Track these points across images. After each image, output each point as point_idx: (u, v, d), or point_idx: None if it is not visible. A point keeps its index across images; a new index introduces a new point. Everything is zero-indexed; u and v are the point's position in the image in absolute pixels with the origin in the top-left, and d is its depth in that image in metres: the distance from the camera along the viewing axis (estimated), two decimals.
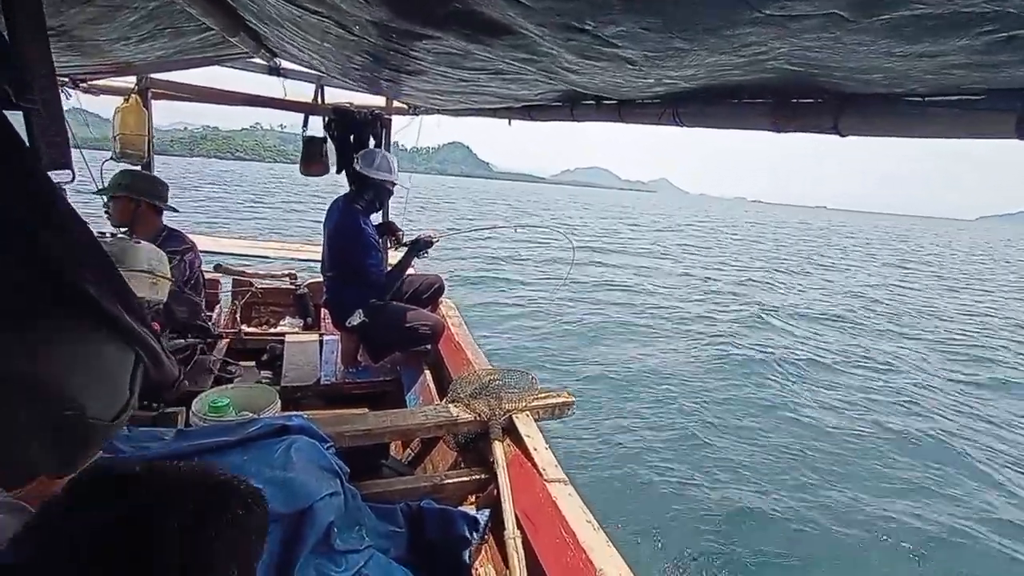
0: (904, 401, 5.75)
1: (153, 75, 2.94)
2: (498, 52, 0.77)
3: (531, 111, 1.73)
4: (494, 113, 1.90)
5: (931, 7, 0.32)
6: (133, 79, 2.91)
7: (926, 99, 0.68)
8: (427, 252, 2.92)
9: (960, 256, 32.89)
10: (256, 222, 17.65)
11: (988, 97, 0.62)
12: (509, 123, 2.05)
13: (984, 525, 3.63)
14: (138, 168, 2.72)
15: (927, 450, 4.61)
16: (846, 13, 0.34)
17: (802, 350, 7.33)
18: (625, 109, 1.24)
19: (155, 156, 3.08)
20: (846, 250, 27.59)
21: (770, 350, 7.11)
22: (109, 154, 2.78)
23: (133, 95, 2.84)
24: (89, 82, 2.82)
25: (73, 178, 0.76)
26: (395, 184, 2.87)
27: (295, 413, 1.51)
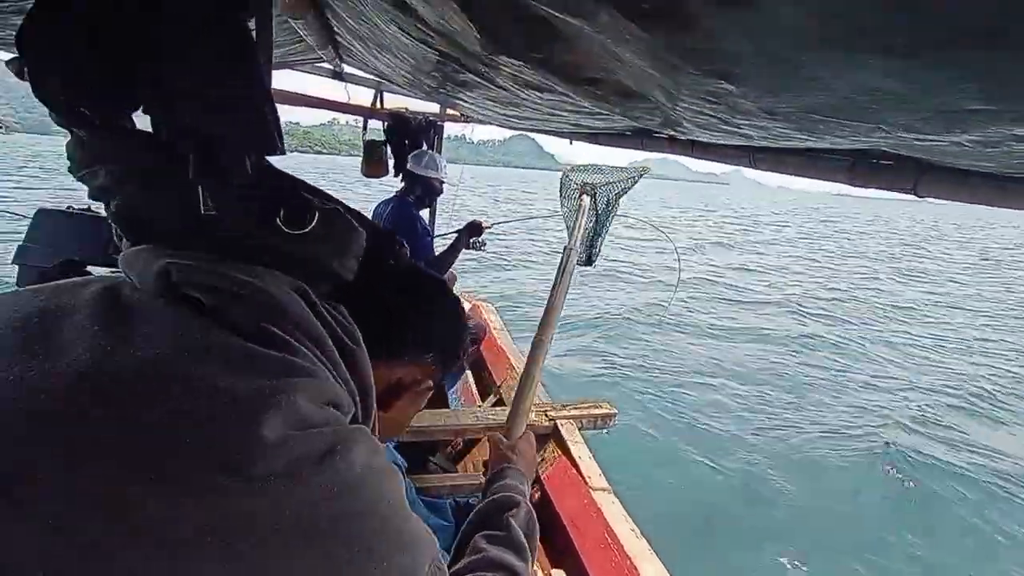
0: None
1: None
2: (612, 107, 0.86)
3: (598, 136, 1.82)
4: (557, 133, 1.99)
5: (989, 143, 0.40)
6: None
7: (1003, 174, 0.75)
8: (483, 244, 2.95)
9: None
10: None
11: None
12: (571, 143, 2.15)
13: None
14: None
15: None
16: (968, 144, 0.43)
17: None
18: (698, 147, 1.32)
19: None
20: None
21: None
22: None
23: None
24: None
25: None
26: (443, 182, 2.98)
27: None
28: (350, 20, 1.30)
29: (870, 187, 0.95)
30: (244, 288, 0.41)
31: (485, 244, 2.94)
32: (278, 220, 0.45)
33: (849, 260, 17.74)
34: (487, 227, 2.93)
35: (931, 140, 0.45)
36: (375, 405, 0.50)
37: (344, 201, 0.52)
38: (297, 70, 3.03)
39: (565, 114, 1.20)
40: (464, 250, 2.89)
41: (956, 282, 14.05)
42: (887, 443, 4.47)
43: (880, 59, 0.34)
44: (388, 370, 0.56)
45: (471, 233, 2.88)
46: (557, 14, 0.53)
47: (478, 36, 0.76)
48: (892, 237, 30.31)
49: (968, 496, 3.88)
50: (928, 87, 0.35)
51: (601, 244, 1.80)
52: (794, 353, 6.86)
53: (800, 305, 9.75)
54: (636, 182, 1.81)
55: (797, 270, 14.52)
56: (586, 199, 1.75)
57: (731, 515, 3.63)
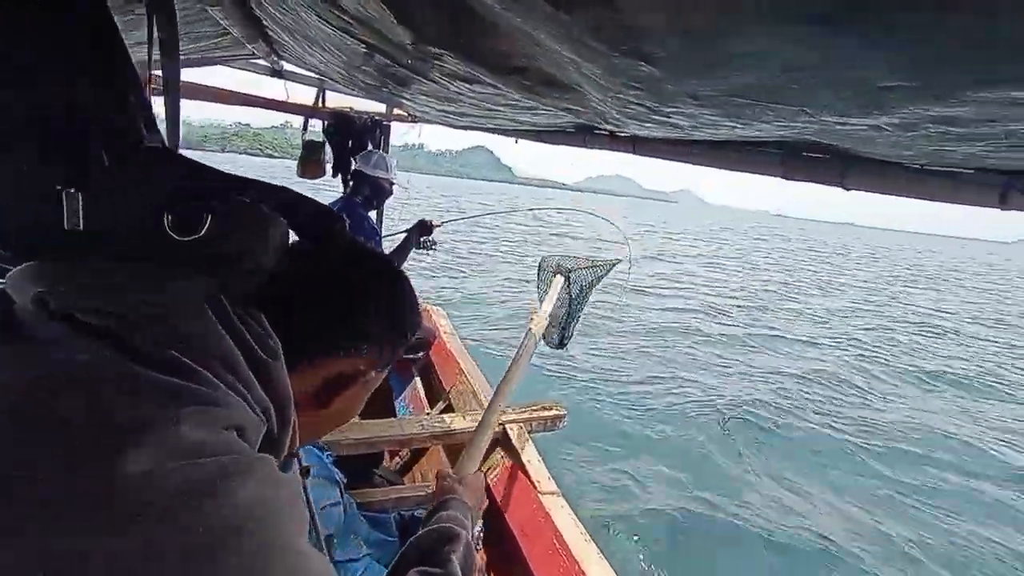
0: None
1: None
2: (542, 99, 0.83)
3: (541, 134, 1.80)
4: (503, 132, 1.96)
5: (959, 128, 0.39)
6: None
7: (924, 167, 0.77)
8: (433, 243, 2.85)
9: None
10: None
11: (976, 172, 0.71)
12: (516, 141, 2.12)
13: None
14: None
15: None
16: (888, 128, 0.42)
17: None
18: (639, 143, 1.32)
19: (189, 151, 3.05)
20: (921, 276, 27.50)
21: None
22: None
23: None
24: None
25: None
26: (393, 183, 2.87)
27: None
28: (272, 8, 1.21)
29: (801, 180, 0.96)
30: (138, 310, 0.37)
31: (436, 244, 2.85)
32: (166, 227, 0.39)
33: (765, 271, 19.84)
34: (437, 225, 2.84)
35: (852, 124, 0.44)
36: (294, 415, 0.46)
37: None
38: (232, 66, 2.86)
39: (502, 109, 1.16)
40: (414, 250, 2.79)
41: (843, 293, 15.96)
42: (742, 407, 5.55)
43: (792, 26, 0.31)
44: (326, 367, 0.52)
45: (421, 232, 2.78)
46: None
47: (395, 22, 0.70)
48: (810, 253, 33.46)
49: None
50: (842, 58, 0.33)
51: (574, 328, 1.88)
52: (706, 346, 8.02)
53: (714, 307, 11.12)
54: (609, 272, 1.91)
55: (722, 278, 16.18)
56: (559, 278, 1.82)
57: (674, 512, 3.71)
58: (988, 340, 11.27)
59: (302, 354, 0.49)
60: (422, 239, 2.80)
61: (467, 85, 0.90)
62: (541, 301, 1.81)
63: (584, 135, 1.55)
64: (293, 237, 0.50)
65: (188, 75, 3.10)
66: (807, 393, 6.31)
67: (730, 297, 12.58)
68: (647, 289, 12.01)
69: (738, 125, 0.58)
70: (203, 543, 0.30)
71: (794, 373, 7.01)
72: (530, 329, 1.60)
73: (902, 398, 6.68)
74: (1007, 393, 7.44)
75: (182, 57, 2.27)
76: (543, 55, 0.60)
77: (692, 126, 0.66)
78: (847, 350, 8.68)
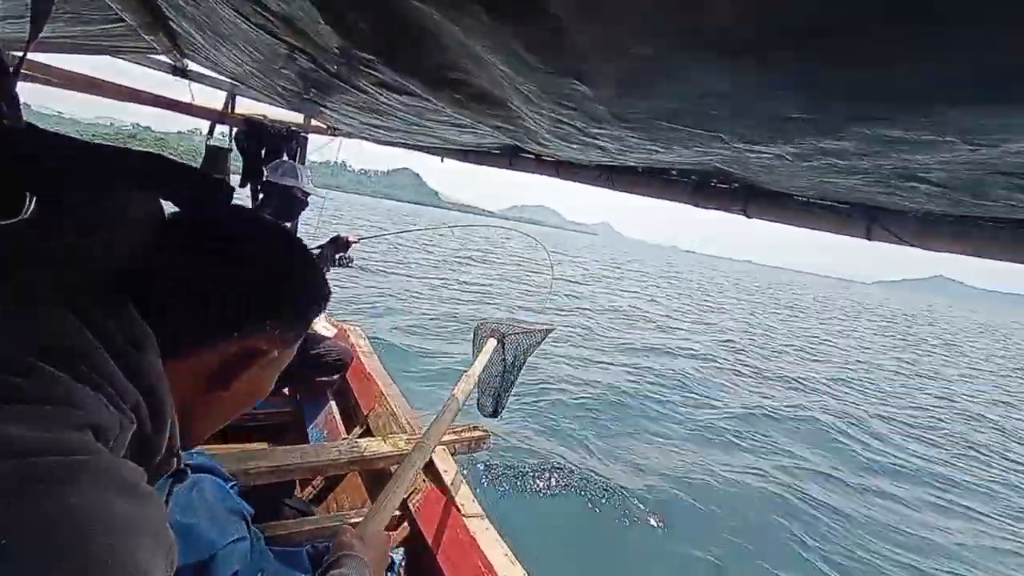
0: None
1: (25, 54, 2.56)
2: (474, 115, 0.83)
3: (467, 154, 1.81)
4: (428, 149, 1.95)
5: (842, 160, 0.45)
6: None
7: (810, 199, 0.87)
8: (350, 260, 2.72)
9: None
10: None
11: (850, 206, 0.82)
12: (442, 160, 2.11)
13: None
14: None
15: None
16: (789, 157, 0.47)
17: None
18: (563, 168, 1.37)
19: None
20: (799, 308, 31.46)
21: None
22: None
23: None
24: None
25: None
26: (307, 193, 2.72)
27: (195, 450, 1.38)
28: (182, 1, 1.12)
29: (709, 207, 1.05)
30: None
31: (352, 260, 2.72)
32: None
33: (661, 299, 22.17)
34: (354, 241, 2.73)
35: (759, 150, 0.49)
36: (171, 409, 0.43)
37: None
38: (124, 58, 2.60)
39: (430, 124, 1.16)
40: (329, 267, 2.65)
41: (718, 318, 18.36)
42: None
43: (715, 56, 0.34)
44: (220, 348, 0.48)
45: (336, 249, 2.65)
46: (412, 2, 0.48)
47: (322, 22, 0.68)
48: (697, 284, 37.55)
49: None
50: (754, 91, 0.36)
51: (507, 398, 1.91)
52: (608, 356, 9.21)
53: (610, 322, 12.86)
54: (544, 339, 1.99)
55: (627, 302, 18.11)
56: (492, 341, 1.85)
57: (600, 520, 3.87)
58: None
59: (187, 337, 0.46)
60: (337, 256, 2.67)
61: (397, 96, 0.89)
62: (472, 358, 1.82)
63: (510, 157, 1.59)
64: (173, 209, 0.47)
65: (70, 63, 2.78)
66: (660, 386, 7.68)
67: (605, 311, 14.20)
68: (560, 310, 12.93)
69: (660, 149, 0.62)
70: (13, 547, 0.26)
71: (658, 369, 8.56)
72: (453, 394, 1.58)
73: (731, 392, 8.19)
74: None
75: (60, 40, 2.03)
76: (478, 69, 0.61)
77: (618, 149, 0.70)
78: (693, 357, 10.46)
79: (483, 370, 1.77)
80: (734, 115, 0.41)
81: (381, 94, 0.93)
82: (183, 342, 0.45)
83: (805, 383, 9.73)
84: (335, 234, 2.69)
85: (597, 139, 0.65)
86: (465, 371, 1.74)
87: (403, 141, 1.84)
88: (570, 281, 20.76)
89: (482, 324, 1.98)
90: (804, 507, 4.56)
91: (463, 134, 1.25)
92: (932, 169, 0.43)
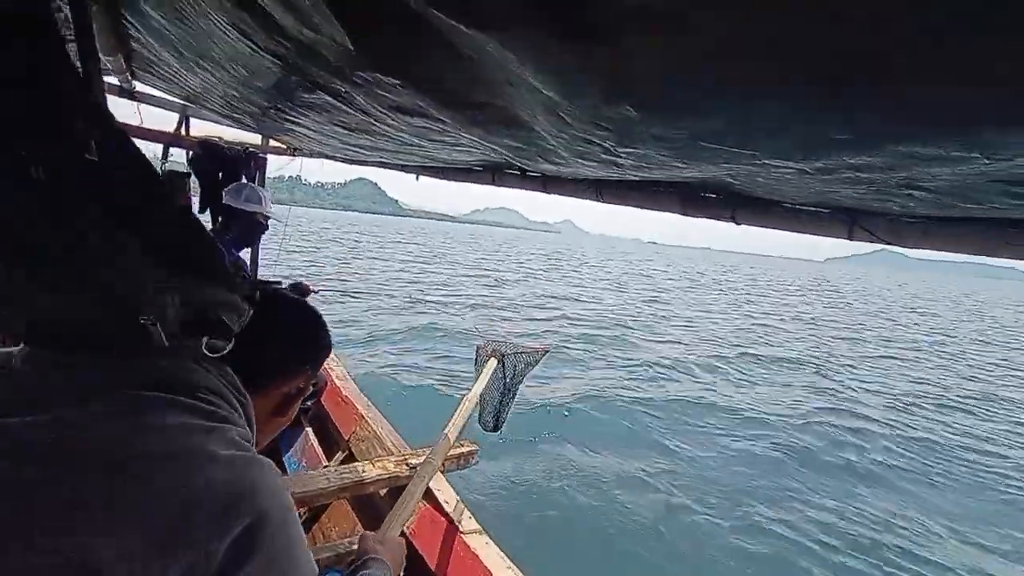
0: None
1: None
2: (487, 135, 0.86)
3: (447, 171, 1.83)
4: (406, 168, 1.95)
5: (864, 173, 0.51)
6: None
7: (796, 205, 0.96)
8: None
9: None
10: None
11: (832, 210, 0.91)
12: (417, 178, 2.12)
13: None
14: None
15: None
16: (811, 171, 0.53)
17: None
18: (551, 182, 1.42)
19: None
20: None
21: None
22: None
23: None
24: None
25: None
26: (268, 217, 2.66)
27: None
28: (160, 18, 1.09)
29: (697, 216, 1.12)
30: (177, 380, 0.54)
31: None
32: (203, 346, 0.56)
33: (628, 290, 23.03)
34: (314, 291, 2.71)
35: (787, 166, 0.54)
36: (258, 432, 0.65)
37: None
38: None
39: (427, 145, 1.18)
40: None
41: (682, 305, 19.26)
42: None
43: (778, 82, 0.39)
44: (279, 389, 0.71)
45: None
46: (462, 27, 0.51)
47: (351, 48, 0.69)
48: (666, 274, 38.70)
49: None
50: (808, 114, 0.42)
51: (507, 413, 2.08)
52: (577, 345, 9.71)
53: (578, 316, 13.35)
54: (542, 358, 2.18)
55: (596, 295, 18.92)
56: (493, 361, 2.01)
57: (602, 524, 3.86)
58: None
59: (269, 379, 0.69)
60: None
61: (406, 118, 0.90)
62: (476, 377, 1.96)
63: (493, 173, 1.62)
64: None
65: None
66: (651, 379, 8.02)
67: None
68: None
69: (683, 165, 0.67)
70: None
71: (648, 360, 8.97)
72: (459, 411, 1.72)
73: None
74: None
75: None
76: (512, 93, 0.64)
77: (633, 166, 0.74)
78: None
79: (484, 389, 1.90)
80: (777, 135, 0.47)
81: (388, 116, 0.94)
82: (266, 383, 0.68)
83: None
84: (296, 281, 2.66)
85: (619, 157, 0.70)
86: (466, 393, 1.86)
87: (381, 160, 1.83)
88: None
89: (483, 345, 2.12)
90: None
91: (455, 152, 1.27)
92: (938, 179, 0.50)
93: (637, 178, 1.00)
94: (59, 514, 0.41)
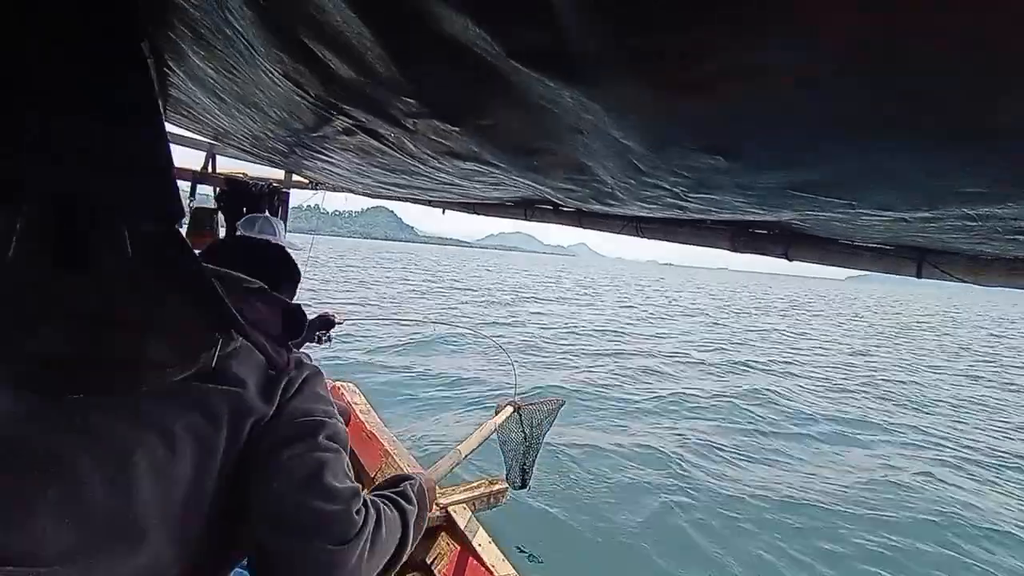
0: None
1: None
2: (542, 178, 0.85)
3: (477, 207, 1.82)
4: (436, 204, 1.95)
5: (973, 222, 0.48)
6: None
7: (854, 243, 0.93)
8: (329, 339, 2.67)
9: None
10: None
11: (896, 248, 0.88)
12: (443, 212, 2.12)
13: None
14: None
15: None
16: (909, 219, 0.50)
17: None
18: (586, 218, 1.40)
19: None
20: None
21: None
22: None
23: None
24: None
25: None
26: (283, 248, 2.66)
27: None
28: (208, 68, 1.10)
29: (747, 252, 1.10)
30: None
31: (331, 340, 2.67)
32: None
33: (638, 310, 23.13)
34: (339, 322, 2.69)
35: (881, 215, 0.51)
36: None
37: None
38: None
39: (464, 183, 1.17)
40: (307, 344, 2.58)
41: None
42: None
43: (895, 134, 0.36)
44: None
45: (321, 326, 2.60)
46: (546, 79, 0.49)
47: (412, 100, 0.68)
48: (669, 294, 38.34)
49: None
50: (935, 168, 0.39)
51: (532, 470, 2.12)
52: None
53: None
54: (558, 409, 2.25)
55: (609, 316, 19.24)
56: (509, 408, 2.05)
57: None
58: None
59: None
60: (318, 334, 2.61)
61: (459, 162, 0.89)
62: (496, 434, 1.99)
63: (525, 208, 1.61)
64: None
65: None
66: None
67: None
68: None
69: (762, 211, 0.65)
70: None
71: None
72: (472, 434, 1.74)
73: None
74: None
75: None
76: (577, 139, 0.62)
77: (700, 209, 0.72)
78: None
79: (500, 430, 1.94)
80: (890, 187, 0.44)
81: (437, 160, 0.93)
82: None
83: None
84: (324, 312, 2.65)
85: (688, 201, 0.68)
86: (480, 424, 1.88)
87: (411, 196, 1.83)
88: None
89: (501, 400, 2.20)
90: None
91: (493, 191, 1.26)
92: None
93: (690, 218, 0.97)
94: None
